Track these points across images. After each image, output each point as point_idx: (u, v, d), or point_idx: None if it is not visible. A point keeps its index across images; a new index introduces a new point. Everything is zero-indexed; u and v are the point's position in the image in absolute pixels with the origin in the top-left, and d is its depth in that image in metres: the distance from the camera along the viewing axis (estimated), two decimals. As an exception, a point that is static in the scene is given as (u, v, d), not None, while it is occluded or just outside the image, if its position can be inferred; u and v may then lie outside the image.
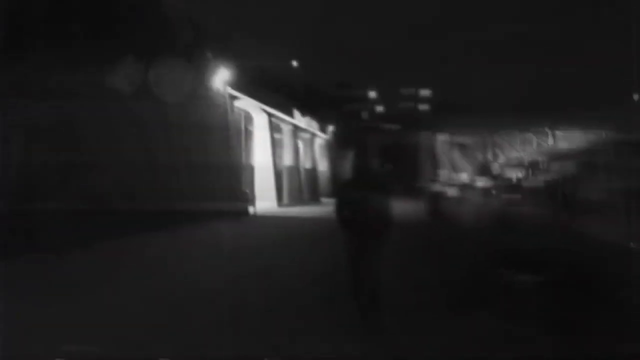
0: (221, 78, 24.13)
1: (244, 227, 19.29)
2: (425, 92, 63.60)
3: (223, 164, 23.22)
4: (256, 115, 30.92)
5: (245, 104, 28.86)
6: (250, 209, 25.15)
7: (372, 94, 61.37)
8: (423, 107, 65.16)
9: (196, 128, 20.85)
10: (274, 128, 32.96)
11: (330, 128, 48.80)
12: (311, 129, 42.08)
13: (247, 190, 26.50)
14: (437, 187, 49.92)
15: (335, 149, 50.23)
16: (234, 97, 25.98)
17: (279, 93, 34.10)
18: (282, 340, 5.74)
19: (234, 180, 24.48)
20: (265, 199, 30.49)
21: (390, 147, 59.97)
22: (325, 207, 32.18)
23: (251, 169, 31.37)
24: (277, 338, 5.82)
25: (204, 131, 21.73)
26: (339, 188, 7.22)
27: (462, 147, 60.48)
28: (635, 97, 60.47)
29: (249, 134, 31.41)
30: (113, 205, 16.18)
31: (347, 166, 31.90)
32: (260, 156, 31.12)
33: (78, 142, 16.78)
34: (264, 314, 6.83)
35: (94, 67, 16.72)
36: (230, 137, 24.71)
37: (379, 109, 63.39)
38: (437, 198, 25.53)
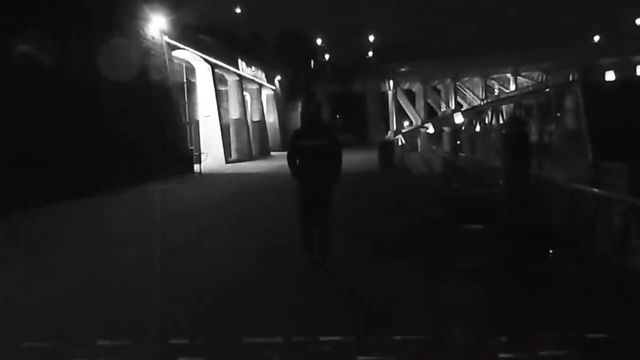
0: (157, 26, 22.38)
1: (185, 188, 18.05)
2: (374, 39, 62.37)
3: (163, 119, 21.75)
4: (198, 66, 29.26)
5: (186, 54, 27.22)
6: (196, 167, 23.87)
7: (320, 42, 59.71)
8: (371, 54, 64.12)
9: (132, 81, 19.24)
10: (217, 79, 31.37)
11: (278, 78, 47.18)
12: (258, 80, 40.49)
13: (192, 147, 25.16)
14: (387, 136, 49.70)
15: (283, 100, 48.83)
16: (173, 47, 24.31)
17: (222, 42, 32.38)
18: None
19: (176, 136, 23.05)
20: (211, 156, 29.20)
21: (339, 97, 59.14)
22: (275, 161, 31.20)
23: (195, 124, 29.97)
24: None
25: (141, 84, 20.12)
26: (291, 139, 6.81)
27: (412, 95, 60.10)
28: (596, 37, 61.20)
29: (191, 86, 29.85)
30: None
31: (297, 117, 31.12)
32: (205, 110, 29.63)
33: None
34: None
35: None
36: (170, 90, 23.14)
37: (327, 57, 61.94)
38: (388, 147, 24.89)
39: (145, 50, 21.37)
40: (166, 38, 23.29)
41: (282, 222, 9.57)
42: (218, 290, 6.02)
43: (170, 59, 24.02)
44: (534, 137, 22.13)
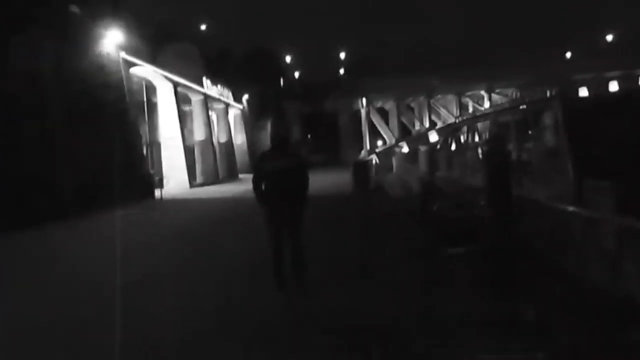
0: (113, 41, 20.68)
1: (139, 217, 16.13)
2: (345, 56, 61.30)
3: (119, 140, 19.95)
4: (160, 84, 27.55)
5: (146, 71, 25.51)
6: (157, 192, 22.05)
7: (289, 59, 58.38)
8: (343, 72, 63.04)
9: (83, 98, 17.51)
10: (181, 99, 29.67)
11: (245, 97, 45.53)
12: (224, 99, 38.80)
13: (152, 171, 23.35)
14: (361, 156, 48.37)
15: (251, 119, 47.17)
16: (130, 64, 22.59)
17: (186, 60, 30.68)
18: None
19: (134, 159, 21.21)
20: (175, 179, 27.45)
21: (310, 116, 57.73)
22: (243, 185, 29.46)
23: (157, 146, 28.19)
24: None
25: (93, 102, 18.38)
26: (257, 161, 6.79)
27: (385, 113, 59.09)
28: (568, 54, 61.19)
29: (152, 106, 28.11)
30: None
31: (266, 137, 29.12)
32: (167, 131, 27.86)
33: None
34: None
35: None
36: (127, 110, 21.36)
37: (297, 74, 60.62)
38: (362, 167, 23.48)
39: (99, 67, 19.63)
40: (123, 54, 21.58)
41: (236, 266, 8.08)
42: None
43: (128, 76, 22.30)
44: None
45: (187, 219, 15.38)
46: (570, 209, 11.41)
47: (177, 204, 20.04)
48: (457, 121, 48.27)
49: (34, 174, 14.81)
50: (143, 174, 21.84)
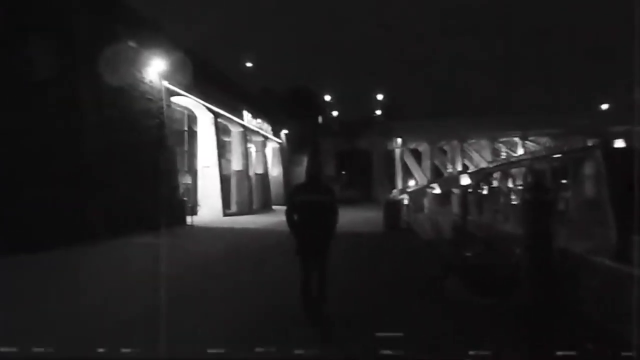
0: (157, 70, 21.49)
1: (165, 242, 16.09)
2: (382, 97, 61.91)
3: (155, 167, 20.56)
4: (201, 114, 28.34)
5: (188, 101, 26.32)
6: (189, 219, 22.51)
7: (328, 98, 59.24)
8: (379, 112, 63.60)
9: (122, 124, 18.14)
10: (220, 129, 30.40)
11: (284, 132, 46.36)
12: (263, 132, 39.57)
13: (185, 198, 23.88)
14: (392, 195, 48.39)
15: (288, 153, 47.88)
16: (172, 93, 23.37)
17: (228, 92, 31.54)
18: None
19: (169, 186, 21.79)
20: (209, 207, 27.95)
21: (345, 153, 58.24)
22: (276, 216, 29.79)
23: (194, 174, 28.85)
24: None
25: (132, 128, 19.04)
26: (291, 194, 7.17)
27: (418, 154, 59.16)
28: (604, 105, 60.69)
29: (192, 134, 28.89)
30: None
31: (301, 172, 29.59)
32: (205, 159, 28.53)
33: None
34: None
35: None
36: (165, 137, 22.04)
37: (335, 113, 61.39)
38: (394, 207, 23.59)
39: (141, 94, 20.38)
40: (165, 83, 22.38)
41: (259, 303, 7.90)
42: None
43: (169, 104, 23.06)
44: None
45: (212, 247, 15.62)
46: (623, 267, 11.01)
47: (206, 232, 20.36)
48: (490, 166, 48.01)
49: (62, 197, 14.95)
50: (175, 200, 22.32)
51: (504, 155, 53.57)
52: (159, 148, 21.35)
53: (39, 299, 8.03)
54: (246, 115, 34.82)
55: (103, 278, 10.11)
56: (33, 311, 7.23)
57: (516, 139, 54.22)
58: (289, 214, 6.65)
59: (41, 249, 12.22)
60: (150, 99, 21.03)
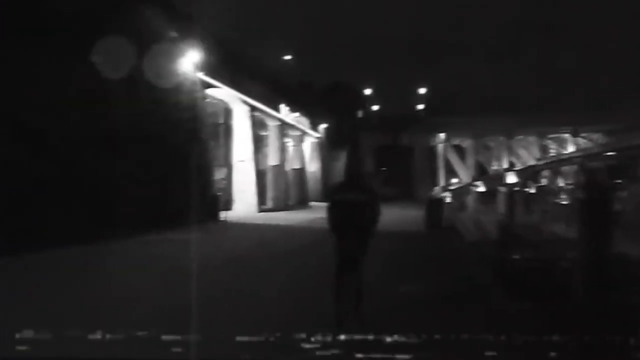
0: (191, 60, 20.77)
1: (196, 239, 15.21)
2: (425, 91, 60.28)
3: (188, 161, 19.83)
4: (236, 107, 27.59)
5: (223, 93, 25.60)
6: (222, 215, 21.75)
7: (368, 92, 57.96)
8: (422, 107, 62.02)
9: (153, 117, 17.48)
10: (257, 123, 29.63)
11: (322, 126, 45.38)
12: (301, 126, 38.69)
13: (219, 193, 23.15)
14: (434, 193, 46.98)
15: (327, 149, 46.88)
16: (207, 85, 22.63)
17: (264, 85, 30.72)
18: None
19: (202, 180, 21.04)
20: (244, 203, 27.23)
21: (386, 149, 56.90)
22: (312, 213, 28.86)
23: (229, 168, 28.16)
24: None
25: (164, 121, 18.36)
26: (331, 192, 7.13)
27: (462, 151, 57.55)
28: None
29: (227, 128, 28.19)
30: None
31: (340, 168, 28.28)
32: (240, 154, 27.79)
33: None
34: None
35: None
36: (199, 130, 21.31)
37: (375, 107, 60.06)
38: (436, 205, 22.41)
39: (175, 86, 19.67)
40: (200, 74, 21.64)
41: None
42: None
43: (204, 97, 22.32)
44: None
45: (242, 244, 14.68)
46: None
47: (238, 228, 19.60)
48: (539, 163, 46.16)
49: (91, 192, 14.48)
50: (208, 195, 21.58)
51: (553, 152, 51.59)
52: (193, 142, 20.61)
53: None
54: (283, 108, 33.97)
55: (127, 275, 9.36)
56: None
57: (566, 136, 52.09)
58: (329, 212, 6.46)
59: (69, 245, 11.75)
60: (184, 91, 20.31)
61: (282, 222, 22.41)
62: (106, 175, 15.09)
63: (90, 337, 4.56)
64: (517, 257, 17.27)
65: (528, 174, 45.80)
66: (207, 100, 25.14)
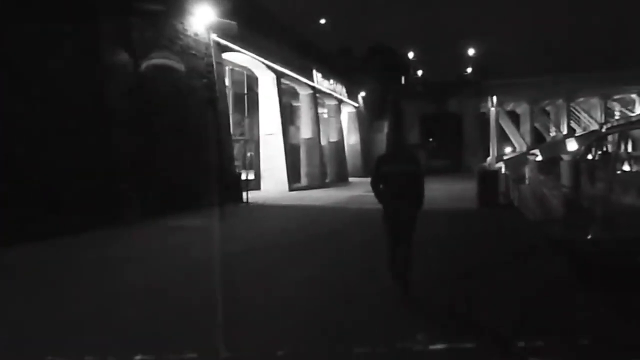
0: (203, 21, 18.01)
1: (202, 227, 12.84)
2: (474, 53, 56.26)
3: (203, 135, 17.27)
4: (261, 75, 24.80)
5: (246, 59, 22.81)
6: (250, 194, 19.14)
7: (412, 56, 54.33)
8: (470, 70, 58.06)
9: (157, 85, 14.98)
10: (286, 92, 26.81)
11: (361, 94, 42.13)
12: (337, 95, 35.61)
13: (240, 171, 20.49)
14: (487, 164, 43.54)
15: (366, 119, 43.68)
16: (223, 48, 19.86)
17: (294, 49, 27.73)
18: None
19: (220, 157, 18.35)
20: (274, 181, 24.61)
21: (432, 117, 53.35)
22: (351, 190, 26.09)
23: (255, 143, 25.52)
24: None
25: (170, 90, 15.81)
26: (375, 165, 6.59)
27: (516, 117, 53.61)
28: None
29: (253, 98, 25.46)
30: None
31: (381, 139, 25.27)
32: (268, 127, 25.07)
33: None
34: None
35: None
36: (215, 100, 18.58)
37: (419, 72, 56.45)
38: (490, 178, 19.29)
39: (183, 48, 16.99)
40: (214, 36, 18.87)
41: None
42: None
43: (220, 62, 19.56)
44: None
45: (256, 235, 11.88)
46: None
47: (260, 212, 16.89)
48: (605, 128, 42.12)
49: (99, 170, 12.70)
50: (229, 174, 18.97)
51: (618, 115, 47.26)
52: (208, 113, 17.97)
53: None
54: (316, 75, 30.97)
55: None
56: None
57: (634, 96, 47.54)
58: (374, 184, 6.55)
59: (84, 230, 11.03)
60: (194, 55, 17.62)
61: (313, 202, 19.59)
62: (106, 153, 12.88)
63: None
64: (589, 236, 14.57)
65: (591, 141, 42.01)
66: (228, 67, 22.47)
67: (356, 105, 41.23)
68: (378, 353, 4.59)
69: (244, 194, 19.03)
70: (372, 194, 6.52)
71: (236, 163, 21.03)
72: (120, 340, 4.96)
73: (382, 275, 6.42)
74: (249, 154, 24.91)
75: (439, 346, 4.70)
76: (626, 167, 23.45)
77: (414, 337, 4.84)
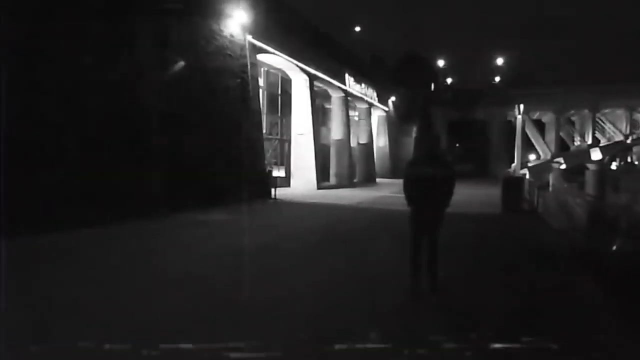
0: (239, 22, 18.82)
1: (224, 223, 13.24)
2: (502, 62, 56.44)
3: (234, 133, 18.06)
4: (295, 76, 25.61)
5: (280, 61, 23.64)
6: (278, 191, 19.95)
7: (441, 64, 54.75)
8: (498, 79, 58.20)
9: (191, 84, 15.76)
10: (318, 94, 27.56)
11: (392, 99, 42.76)
12: (368, 99, 36.30)
13: (270, 169, 21.26)
14: (512, 170, 43.74)
15: (396, 123, 44.28)
16: (258, 50, 20.67)
17: (327, 52, 28.49)
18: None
19: (252, 154, 19.16)
20: (304, 179, 25.40)
21: (459, 124, 53.70)
22: (379, 190, 26.75)
23: (287, 142, 26.37)
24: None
25: (205, 89, 16.58)
26: (407, 167, 6.81)
27: (541, 125, 53.61)
28: None
29: (286, 99, 26.31)
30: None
31: (409, 143, 25.80)
32: (299, 127, 25.86)
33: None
34: None
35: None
36: (247, 100, 19.38)
37: (449, 80, 56.80)
38: (515, 185, 19.77)
39: (218, 48, 17.81)
40: (250, 37, 19.70)
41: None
42: None
43: (254, 62, 20.37)
44: None
45: (276, 233, 11.98)
46: None
47: (287, 209, 17.52)
48: (631, 139, 42.18)
49: (125, 161, 13.14)
50: (259, 172, 19.73)
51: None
52: (241, 112, 18.79)
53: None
54: (349, 79, 31.70)
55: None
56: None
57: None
58: (406, 187, 6.69)
59: (113, 223, 11.25)
60: (229, 55, 18.44)
61: (338, 202, 20.23)
62: (139, 149, 13.55)
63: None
64: (615, 247, 14.71)
65: (615, 151, 42.02)
66: (263, 68, 23.33)
67: (386, 109, 41.87)
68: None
69: (273, 190, 19.82)
70: (398, 195, 6.77)
71: (267, 161, 21.80)
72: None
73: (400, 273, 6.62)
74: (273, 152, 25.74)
75: (451, 345, 4.80)
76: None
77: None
